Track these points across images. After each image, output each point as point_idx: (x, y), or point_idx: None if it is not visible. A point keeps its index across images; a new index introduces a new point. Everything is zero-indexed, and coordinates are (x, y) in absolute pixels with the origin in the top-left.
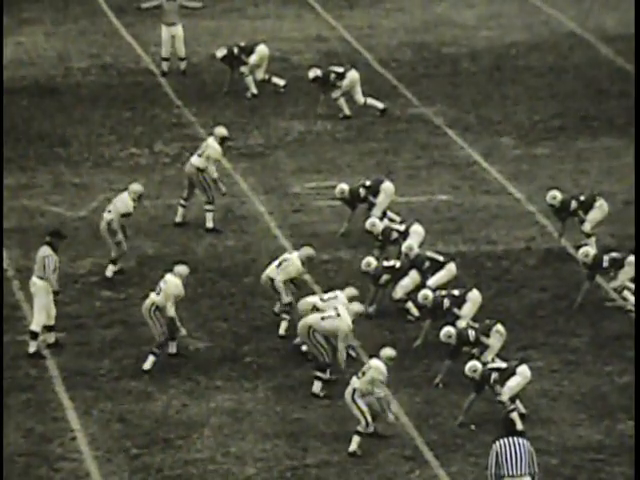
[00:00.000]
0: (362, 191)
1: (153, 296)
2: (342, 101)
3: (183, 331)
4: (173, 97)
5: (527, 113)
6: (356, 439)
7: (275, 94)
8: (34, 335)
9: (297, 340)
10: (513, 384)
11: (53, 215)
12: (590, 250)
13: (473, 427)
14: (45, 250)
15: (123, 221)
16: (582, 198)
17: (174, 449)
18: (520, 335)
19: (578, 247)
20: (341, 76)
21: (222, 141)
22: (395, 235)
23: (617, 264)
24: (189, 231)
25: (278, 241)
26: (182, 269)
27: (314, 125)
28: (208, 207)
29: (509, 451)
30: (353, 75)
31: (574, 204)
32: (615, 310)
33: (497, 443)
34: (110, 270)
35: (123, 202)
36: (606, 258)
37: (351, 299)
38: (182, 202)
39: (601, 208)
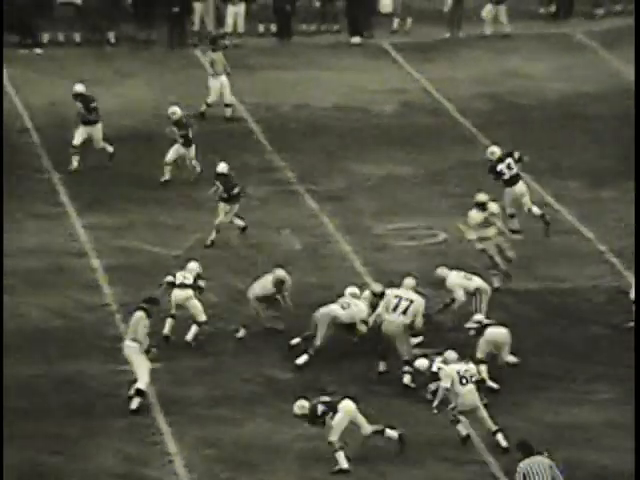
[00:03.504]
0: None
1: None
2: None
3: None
4: (265, 144)
5: (595, 159)
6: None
7: (355, 142)
8: (140, 393)
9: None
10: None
11: (150, 254)
12: None
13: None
14: (139, 315)
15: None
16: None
17: (261, 473)
18: (586, 368)
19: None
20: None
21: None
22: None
23: None
24: None
25: (362, 278)
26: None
27: (393, 170)
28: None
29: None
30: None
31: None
32: None
33: (521, 466)
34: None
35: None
36: None
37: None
38: None
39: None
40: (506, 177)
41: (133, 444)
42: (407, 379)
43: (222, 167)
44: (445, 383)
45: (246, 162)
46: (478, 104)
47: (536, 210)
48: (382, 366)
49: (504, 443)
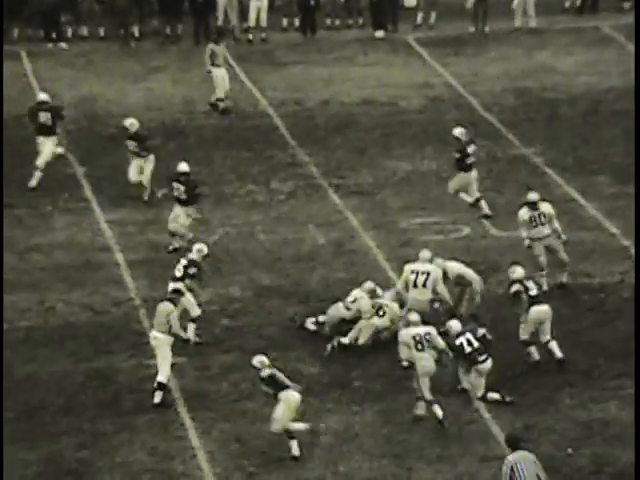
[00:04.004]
0: None
1: None
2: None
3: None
4: (289, 138)
5: (621, 154)
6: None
7: (381, 137)
8: (162, 386)
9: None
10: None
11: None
12: None
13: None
14: (167, 306)
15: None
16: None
17: (287, 468)
18: (614, 364)
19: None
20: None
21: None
22: None
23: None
24: (303, 263)
25: (386, 273)
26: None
27: (420, 165)
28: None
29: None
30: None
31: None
32: None
33: (510, 459)
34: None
35: None
36: None
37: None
38: None
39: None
40: (468, 162)
41: (159, 438)
42: None
43: (183, 166)
44: (402, 354)
45: (271, 157)
46: (503, 99)
47: (469, 199)
48: (406, 361)
49: (440, 413)
